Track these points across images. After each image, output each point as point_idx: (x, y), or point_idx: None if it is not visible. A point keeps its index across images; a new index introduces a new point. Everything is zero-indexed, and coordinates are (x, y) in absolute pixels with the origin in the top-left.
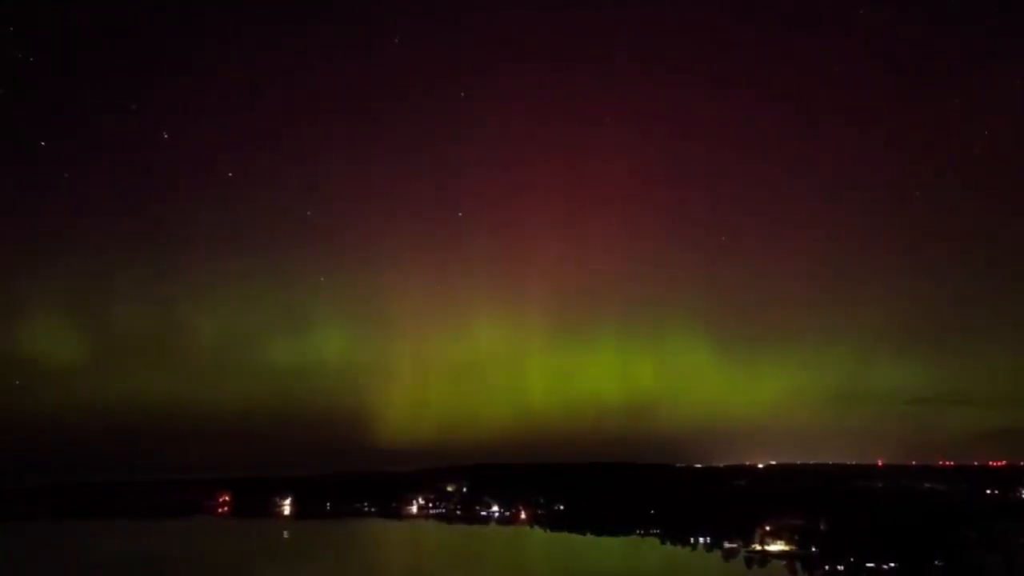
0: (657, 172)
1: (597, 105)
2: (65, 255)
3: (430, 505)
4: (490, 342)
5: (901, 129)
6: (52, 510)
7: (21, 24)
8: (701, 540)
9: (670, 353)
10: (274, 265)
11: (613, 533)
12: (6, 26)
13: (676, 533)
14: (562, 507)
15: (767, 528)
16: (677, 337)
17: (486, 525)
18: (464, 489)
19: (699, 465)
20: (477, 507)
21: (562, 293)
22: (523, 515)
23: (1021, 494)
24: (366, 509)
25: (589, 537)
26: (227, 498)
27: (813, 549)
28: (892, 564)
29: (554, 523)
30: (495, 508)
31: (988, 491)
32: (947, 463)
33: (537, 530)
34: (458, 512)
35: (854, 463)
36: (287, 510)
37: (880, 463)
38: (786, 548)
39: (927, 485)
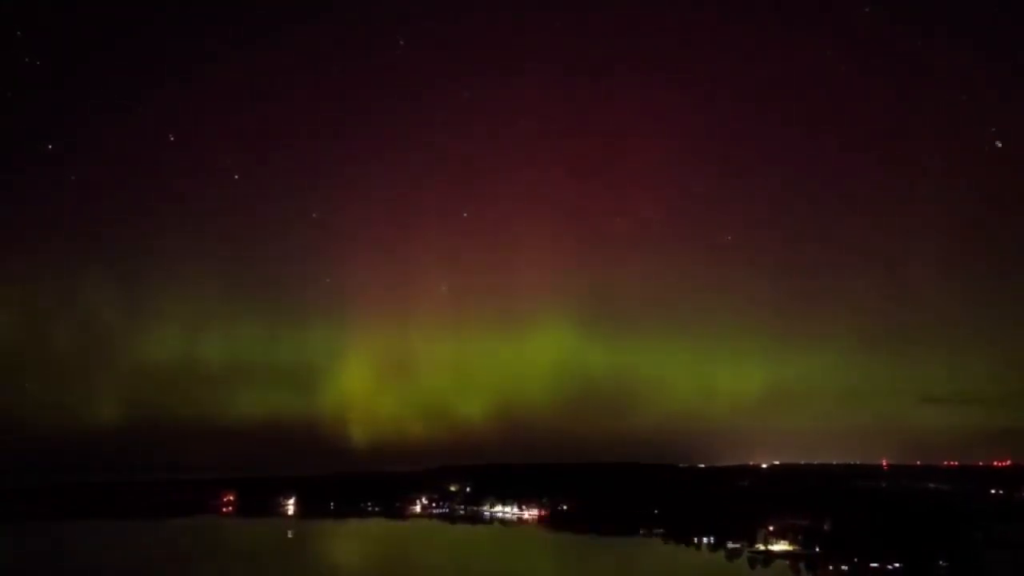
0: (661, 172)
1: (600, 106)
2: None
3: (433, 505)
4: (493, 342)
5: (901, 129)
6: (52, 510)
7: (26, 27)
8: (704, 540)
9: (672, 353)
10: (280, 267)
11: (617, 533)
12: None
13: (679, 533)
14: (565, 507)
15: (770, 528)
16: (679, 337)
17: (490, 525)
18: (467, 489)
19: (702, 465)
20: (480, 507)
21: (565, 293)
22: (526, 515)
23: None
24: (370, 509)
25: (593, 537)
26: (231, 498)
27: (817, 549)
28: (896, 564)
29: (558, 523)
30: (498, 508)
31: (993, 491)
32: (952, 463)
33: (541, 530)
34: (461, 512)
35: (858, 463)
36: (291, 509)
37: (885, 463)
38: (789, 548)
39: (932, 485)
